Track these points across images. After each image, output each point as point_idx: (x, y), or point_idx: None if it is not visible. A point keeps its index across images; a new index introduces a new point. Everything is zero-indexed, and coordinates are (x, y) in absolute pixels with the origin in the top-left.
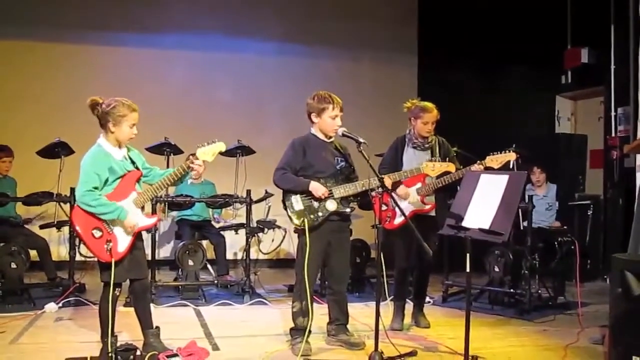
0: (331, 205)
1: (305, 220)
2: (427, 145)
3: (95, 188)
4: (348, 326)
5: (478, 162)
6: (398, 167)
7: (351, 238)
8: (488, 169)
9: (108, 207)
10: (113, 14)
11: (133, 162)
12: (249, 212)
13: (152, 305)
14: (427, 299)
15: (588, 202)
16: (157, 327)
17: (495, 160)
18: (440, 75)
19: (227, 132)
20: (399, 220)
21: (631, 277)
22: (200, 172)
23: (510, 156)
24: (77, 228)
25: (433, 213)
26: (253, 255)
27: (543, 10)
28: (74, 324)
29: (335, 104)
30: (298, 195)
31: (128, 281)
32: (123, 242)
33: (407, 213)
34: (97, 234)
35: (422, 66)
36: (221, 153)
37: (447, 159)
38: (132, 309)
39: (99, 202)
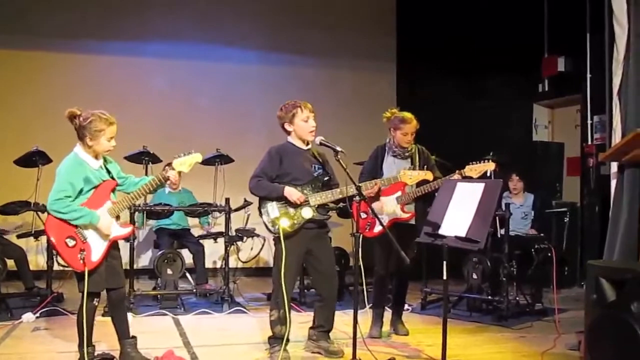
0: (307, 213)
1: (281, 227)
2: (407, 154)
3: (68, 197)
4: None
5: (457, 171)
6: (377, 175)
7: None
8: (467, 179)
9: (79, 212)
10: (93, 22)
11: (109, 172)
12: (227, 221)
13: (130, 314)
14: (406, 306)
15: (565, 209)
16: (134, 337)
17: (474, 170)
18: (419, 83)
19: (207, 141)
20: (378, 228)
21: (605, 284)
22: (176, 182)
23: (489, 166)
24: (52, 238)
25: (413, 221)
26: (232, 263)
27: (520, 19)
28: (51, 334)
29: (303, 107)
30: (274, 202)
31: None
32: (97, 251)
33: (386, 222)
34: (71, 243)
35: (400, 74)
36: (200, 162)
37: (427, 167)
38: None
39: (70, 208)
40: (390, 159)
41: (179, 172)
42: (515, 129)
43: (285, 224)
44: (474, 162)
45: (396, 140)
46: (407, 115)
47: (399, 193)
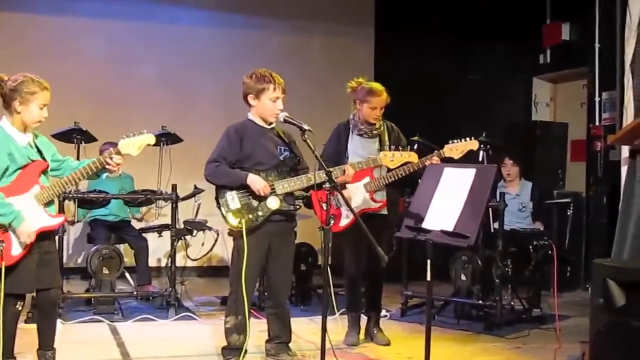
0: (273, 203)
1: (243, 220)
2: (374, 132)
3: None
4: (291, 345)
5: (435, 152)
6: (342, 159)
7: (296, 242)
8: (447, 160)
9: (2, 207)
10: None
11: (40, 151)
12: (174, 211)
13: (58, 321)
14: (384, 312)
15: (568, 200)
16: (54, 349)
17: (454, 149)
18: (401, 52)
19: (150, 117)
20: (345, 221)
21: (614, 286)
22: (117, 167)
23: (472, 144)
24: None
25: (385, 211)
26: (180, 261)
27: None
28: None
29: (276, 84)
30: (234, 192)
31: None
32: (18, 244)
33: (356, 212)
34: None
35: (379, 41)
36: (152, 144)
37: (399, 147)
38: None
39: None
40: (356, 138)
41: (124, 155)
42: (511, 107)
43: (247, 217)
44: (454, 141)
45: (362, 115)
46: (377, 86)
47: (367, 179)
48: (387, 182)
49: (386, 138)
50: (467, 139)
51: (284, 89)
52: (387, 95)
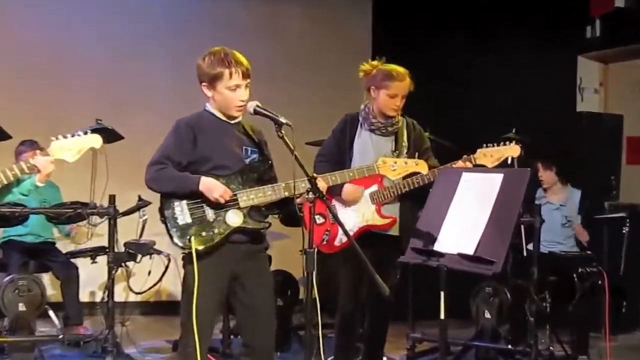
0: (234, 219)
1: (193, 239)
2: (390, 129)
3: None
4: None
5: (464, 157)
6: (345, 160)
7: (271, 269)
8: (477, 167)
9: None
10: None
11: None
12: (112, 230)
13: None
14: (385, 359)
15: (623, 214)
16: None
17: (489, 155)
18: (406, 29)
19: (82, 109)
20: (342, 241)
21: None
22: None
23: (512, 150)
24: None
25: (395, 231)
26: (119, 295)
27: None
28: None
29: (235, 67)
30: (184, 202)
31: None
32: None
33: (355, 229)
34: None
35: (379, 16)
36: (96, 148)
37: (419, 152)
38: None
39: None
40: (366, 134)
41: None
42: (549, 95)
43: (199, 235)
44: (489, 145)
45: (377, 105)
46: (398, 69)
47: (374, 187)
48: (399, 192)
49: (404, 138)
50: (507, 143)
51: (245, 72)
52: (410, 80)
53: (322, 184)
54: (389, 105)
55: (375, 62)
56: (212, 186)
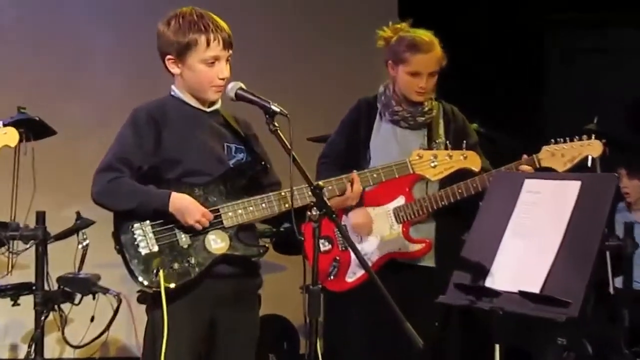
0: (217, 243)
1: (162, 274)
2: (421, 120)
3: None
4: None
5: (524, 156)
6: (359, 160)
7: (261, 313)
8: (543, 171)
9: None
10: None
11: None
12: (41, 260)
13: None
14: None
15: None
16: None
17: (559, 154)
18: None
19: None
20: (355, 274)
21: None
22: None
23: (592, 148)
24: None
25: (431, 261)
26: (52, 350)
27: None
28: None
29: (214, 33)
30: (147, 223)
31: None
32: None
33: (374, 259)
34: None
35: None
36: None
37: (464, 147)
38: None
39: None
40: (387, 127)
41: None
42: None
43: (169, 268)
44: (559, 140)
45: (398, 87)
46: (423, 36)
47: (400, 200)
48: (436, 206)
49: (441, 131)
50: (583, 137)
51: (228, 41)
52: (440, 52)
53: (357, 187)
54: (411, 87)
55: (397, 26)
56: (186, 208)
